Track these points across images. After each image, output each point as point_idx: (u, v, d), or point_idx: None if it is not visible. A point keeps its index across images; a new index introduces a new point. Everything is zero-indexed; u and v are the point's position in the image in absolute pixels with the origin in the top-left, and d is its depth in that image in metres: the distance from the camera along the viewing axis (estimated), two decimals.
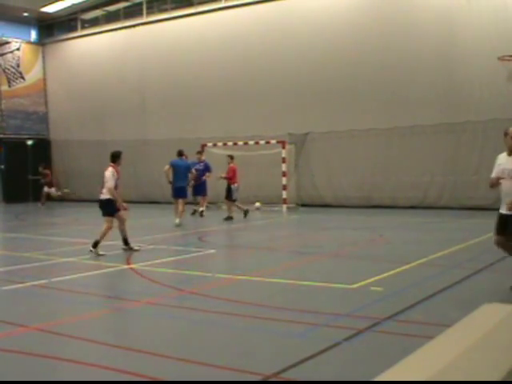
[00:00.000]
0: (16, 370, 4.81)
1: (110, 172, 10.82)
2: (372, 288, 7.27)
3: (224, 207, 16.95)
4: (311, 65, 20.23)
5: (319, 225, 15.99)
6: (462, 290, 7.27)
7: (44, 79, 28.32)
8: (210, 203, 18.49)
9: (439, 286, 7.30)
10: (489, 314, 2.35)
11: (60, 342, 5.58)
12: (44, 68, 28.33)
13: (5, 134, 26.71)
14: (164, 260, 10.07)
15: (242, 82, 21.71)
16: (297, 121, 20.48)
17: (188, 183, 16.29)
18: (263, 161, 20.29)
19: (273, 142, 20.02)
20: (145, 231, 14.53)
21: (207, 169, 18.08)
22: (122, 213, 11.02)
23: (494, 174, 7.13)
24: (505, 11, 16.92)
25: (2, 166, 26.33)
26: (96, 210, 11.58)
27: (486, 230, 10.33)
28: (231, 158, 17.49)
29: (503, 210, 7.00)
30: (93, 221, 11.39)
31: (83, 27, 27.08)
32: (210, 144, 21.02)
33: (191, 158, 17.73)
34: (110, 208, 10.86)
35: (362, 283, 7.54)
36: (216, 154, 20.40)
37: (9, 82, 27.20)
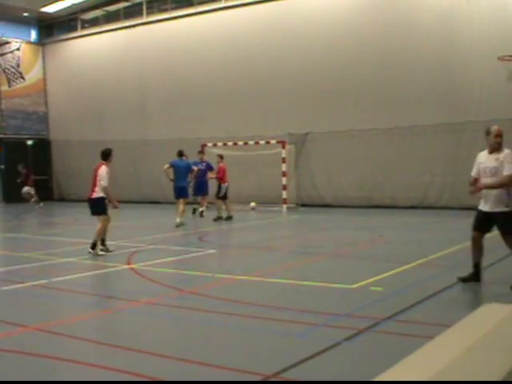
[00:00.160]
0: (16, 369, 4.81)
1: (104, 170, 10.70)
2: (372, 288, 7.28)
3: (223, 207, 16.96)
4: (311, 65, 20.22)
5: (319, 225, 15.98)
6: (461, 290, 7.27)
7: (44, 79, 28.33)
8: (209, 203, 18.50)
9: (439, 286, 7.31)
10: (489, 314, 2.35)
11: (60, 341, 5.58)
12: (44, 68, 28.34)
13: (5, 134, 26.73)
14: (164, 260, 10.06)
15: (242, 82, 21.70)
16: (297, 121, 20.48)
17: (189, 182, 16.29)
18: (263, 161, 20.29)
19: (273, 142, 20.01)
20: (145, 231, 14.55)
21: (209, 168, 18.13)
22: (109, 214, 10.96)
23: (474, 173, 7.23)
24: (505, 11, 16.92)
25: (2, 166, 26.34)
26: None
27: None
28: (221, 157, 17.55)
29: (482, 207, 7.12)
30: (93, 221, 11.37)
31: (83, 27, 27.08)
32: (210, 144, 21.00)
33: (191, 158, 17.74)
34: (99, 207, 10.82)
35: (362, 283, 7.54)
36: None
37: (9, 82, 27.22)
